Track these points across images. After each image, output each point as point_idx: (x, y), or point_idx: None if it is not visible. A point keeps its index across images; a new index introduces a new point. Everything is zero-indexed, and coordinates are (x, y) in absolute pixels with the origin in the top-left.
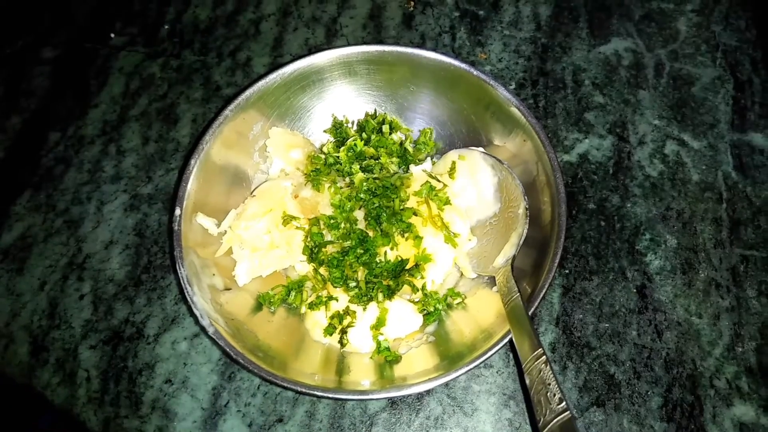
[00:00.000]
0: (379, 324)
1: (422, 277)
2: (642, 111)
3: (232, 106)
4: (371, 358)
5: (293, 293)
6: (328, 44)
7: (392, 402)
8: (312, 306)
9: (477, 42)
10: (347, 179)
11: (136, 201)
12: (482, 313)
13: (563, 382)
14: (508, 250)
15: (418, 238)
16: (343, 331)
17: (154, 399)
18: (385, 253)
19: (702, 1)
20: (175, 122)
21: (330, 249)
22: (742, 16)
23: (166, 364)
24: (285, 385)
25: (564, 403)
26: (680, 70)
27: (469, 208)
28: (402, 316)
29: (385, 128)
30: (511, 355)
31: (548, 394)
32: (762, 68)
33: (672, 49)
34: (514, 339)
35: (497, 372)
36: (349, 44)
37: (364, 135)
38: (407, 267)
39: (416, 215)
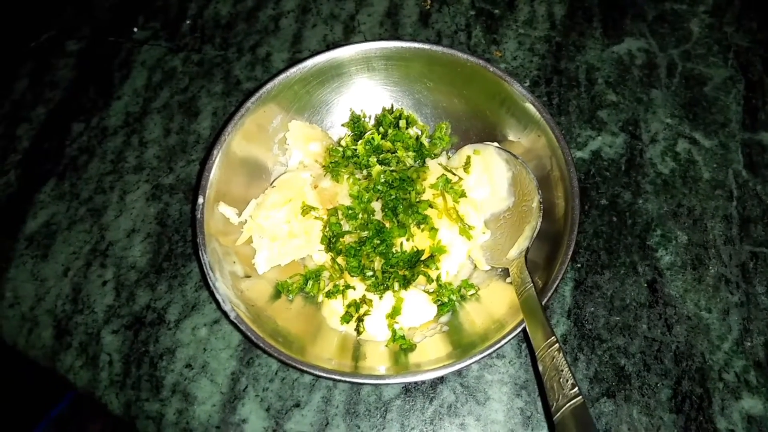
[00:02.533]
0: (394, 313)
1: (437, 268)
2: (654, 110)
3: (253, 99)
4: (386, 346)
5: (311, 282)
6: (346, 41)
7: (406, 389)
8: (329, 294)
9: (492, 40)
10: (365, 171)
11: (157, 191)
12: (495, 304)
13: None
14: (522, 243)
15: (433, 230)
16: (360, 320)
17: (174, 383)
18: (401, 243)
19: (714, 3)
20: (196, 115)
21: (348, 239)
22: (754, 17)
23: (186, 349)
24: (303, 368)
25: (576, 388)
26: (692, 70)
27: (484, 201)
28: (417, 305)
29: (402, 123)
30: (522, 346)
31: (561, 380)
32: None
33: (684, 50)
34: (527, 328)
35: (509, 362)
36: (366, 41)
37: (381, 129)
38: (423, 258)
39: (432, 207)
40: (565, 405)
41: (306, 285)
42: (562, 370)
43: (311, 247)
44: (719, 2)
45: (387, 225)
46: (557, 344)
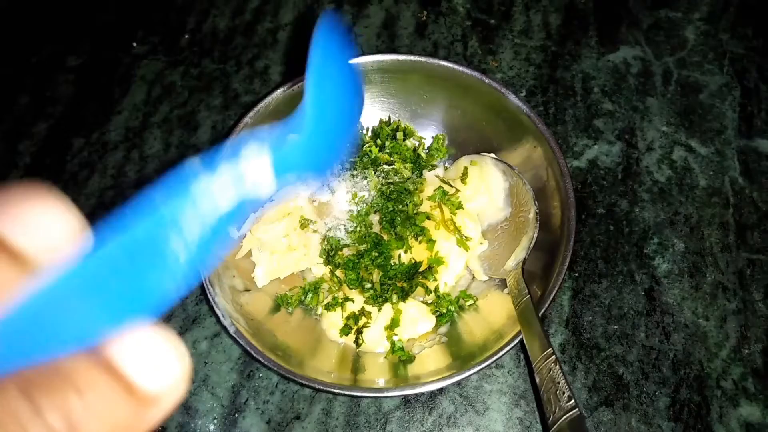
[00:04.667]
0: (393, 325)
1: (435, 280)
2: (650, 118)
3: (251, 114)
4: (386, 357)
5: (310, 294)
6: None
7: (406, 400)
8: (328, 307)
9: (488, 50)
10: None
11: None
12: (493, 314)
13: (573, 383)
14: (519, 254)
15: (431, 242)
16: (359, 332)
17: None
18: (399, 256)
19: (710, 10)
20: (195, 129)
21: (346, 252)
22: (749, 24)
23: None
24: (303, 382)
25: (573, 401)
26: (688, 77)
27: (481, 212)
28: (415, 317)
29: (399, 135)
30: (521, 356)
31: (557, 392)
32: None
33: (680, 57)
34: (524, 339)
35: (508, 372)
36: (363, 53)
37: (378, 141)
38: (421, 269)
39: (429, 219)
40: (561, 418)
41: (305, 297)
42: (559, 383)
43: (310, 260)
44: (714, 9)
45: (385, 237)
46: (554, 356)
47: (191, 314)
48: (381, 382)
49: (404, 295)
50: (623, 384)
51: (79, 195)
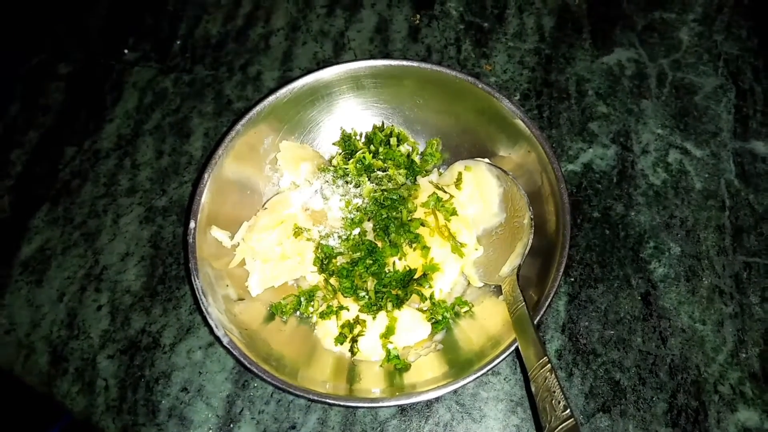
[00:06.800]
0: (388, 333)
1: (430, 287)
2: (645, 120)
3: (243, 121)
4: (381, 366)
5: (305, 303)
6: (336, 58)
7: (402, 409)
8: (323, 315)
9: (482, 54)
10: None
11: (151, 213)
12: (489, 321)
13: (569, 389)
14: (514, 260)
15: (425, 249)
16: (354, 340)
17: (170, 407)
18: (394, 263)
19: (704, 11)
20: (187, 136)
21: (340, 260)
22: (744, 25)
23: (181, 372)
24: (297, 393)
25: (568, 410)
26: (683, 79)
27: (476, 218)
28: (411, 324)
29: (393, 140)
30: (518, 363)
31: (553, 401)
32: (763, 77)
33: (674, 59)
34: (520, 347)
35: (505, 379)
36: (356, 57)
37: (372, 147)
38: (415, 277)
39: (424, 226)
40: (557, 427)
41: (300, 306)
42: (555, 391)
43: (304, 268)
44: (708, 10)
45: (379, 245)
46: (549, 364)
47: (185, 323)
48: (377, 391)
49: (399, 302)
50: (620, 390)
51: (71, 204)
